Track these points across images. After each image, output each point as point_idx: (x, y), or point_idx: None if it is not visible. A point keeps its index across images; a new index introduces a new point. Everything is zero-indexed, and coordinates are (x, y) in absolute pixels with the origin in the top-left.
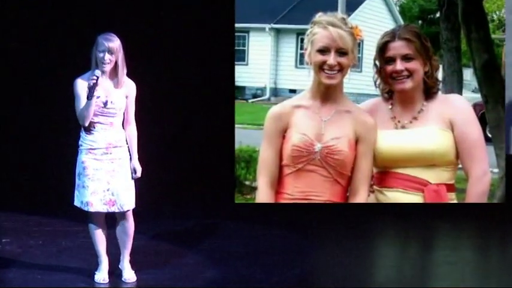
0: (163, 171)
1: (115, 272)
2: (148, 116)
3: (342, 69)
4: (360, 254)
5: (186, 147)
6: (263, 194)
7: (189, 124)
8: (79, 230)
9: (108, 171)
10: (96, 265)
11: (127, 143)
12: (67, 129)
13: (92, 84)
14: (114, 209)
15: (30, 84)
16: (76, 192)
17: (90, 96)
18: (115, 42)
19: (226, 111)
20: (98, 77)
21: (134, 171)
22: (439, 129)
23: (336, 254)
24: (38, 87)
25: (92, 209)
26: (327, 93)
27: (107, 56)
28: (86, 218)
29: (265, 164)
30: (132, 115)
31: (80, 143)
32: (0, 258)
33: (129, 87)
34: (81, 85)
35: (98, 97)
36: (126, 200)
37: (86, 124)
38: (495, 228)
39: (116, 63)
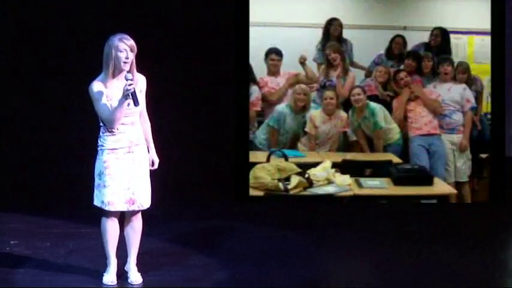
0: (169, 172)
1: (123, 275)
2: (153, 116)
3: None
4: (369, 254)
5: (191, 147)
6: None
7: (195, 124)
8: (87, 232)
9: (129, 170)
10: (104, 267)
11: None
12: (76, 131)
13: (133, 89)
14: (134, 207)
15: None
16: (96, 192)
17: (137, 102)
18: (132, 41)
19: (231, 111)
20: (132, 79)
21: (152, 163)
22: None
23: (346, 255)
24: (37, 87)
25: (112, 208)
26: None
27: (130, 55)
28: (95, 219)
29: None
30: (145, 109)
31: (100, 143)
32: (9, 259)
33: (142, 82)
34: (98, 88)
35: (118, 98)
36: (145, 198)
37: (116, 127)
38: (497, 227)
39: (132, 61)
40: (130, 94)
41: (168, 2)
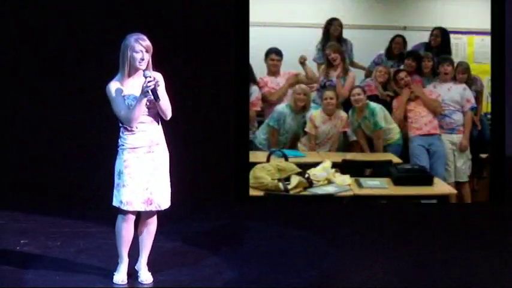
0: (177, 171)
1: (133, 274)
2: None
3: None
4: (370, 254)
5: (191, 147)
6: None
7: (195, 124)
8: (97, 231)
9: (148, 169)
10: (114, 266)
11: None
12: (87, 131)
13: (153, 85)
14: (152, 207)
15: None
16: (115, 192)
17: (157, 98)
18: (148, 41)
19: (231, 111)
20: (151, 76)
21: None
22: None
23: (347, 255)
24: (38, 87)
25: (131, 208)
26: None
27: (146, 55)
28: (104, 218)
29: None
30: (168, 103)
31: (120, 142)
32: (19, 259)
33: (159, 80)
34: (115, 87)
35: (135, 97)
36: (164, 199)
37: (134, 126)
38: (497, 227)
39: (148, 61)
40: (150, 91)
41: (168, 2)
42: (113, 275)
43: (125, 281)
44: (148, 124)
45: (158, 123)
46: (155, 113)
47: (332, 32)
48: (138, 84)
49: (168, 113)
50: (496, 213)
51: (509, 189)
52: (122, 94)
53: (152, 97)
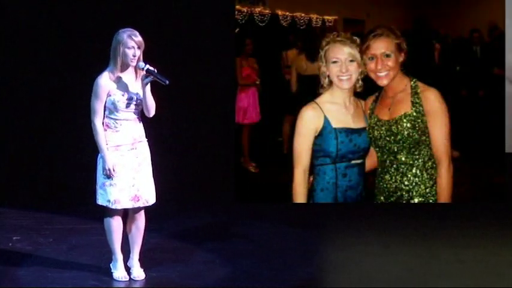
0: (171, 171)
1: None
2: (154, 116)
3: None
4: (369, 253)
5: (192, 147)
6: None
7: (196, 124)
8: (89, 228)
9: (133, 166)
10: (106, 262)
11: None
12: (78, 128)
13: (155, 71)
14: (139, 204)
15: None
16: (100, 191)
17: (164, 79)
18: (140, 37)
19: (232, 111)
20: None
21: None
22: None
23: (348, 253)
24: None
25: (119, 207)
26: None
27: (137, 52)
28: (96, 215)
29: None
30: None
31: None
32: (11, 256)
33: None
34: (104, 84)
35: (123, 94)
36: (150, 194)
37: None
38: (497, 227)
39: (139, 57)
40: (154, 75)
41: (167, 2)
42: (111, 272)
43: (127, 277)
44: (132, 122)
45: (140, 122)
46: (140, 110)
47: None
48: (128, 80)
49: (153, 110)
50: (496, 213)
51: (509, 189)
52: (108, 93)
53: (160, 81)
